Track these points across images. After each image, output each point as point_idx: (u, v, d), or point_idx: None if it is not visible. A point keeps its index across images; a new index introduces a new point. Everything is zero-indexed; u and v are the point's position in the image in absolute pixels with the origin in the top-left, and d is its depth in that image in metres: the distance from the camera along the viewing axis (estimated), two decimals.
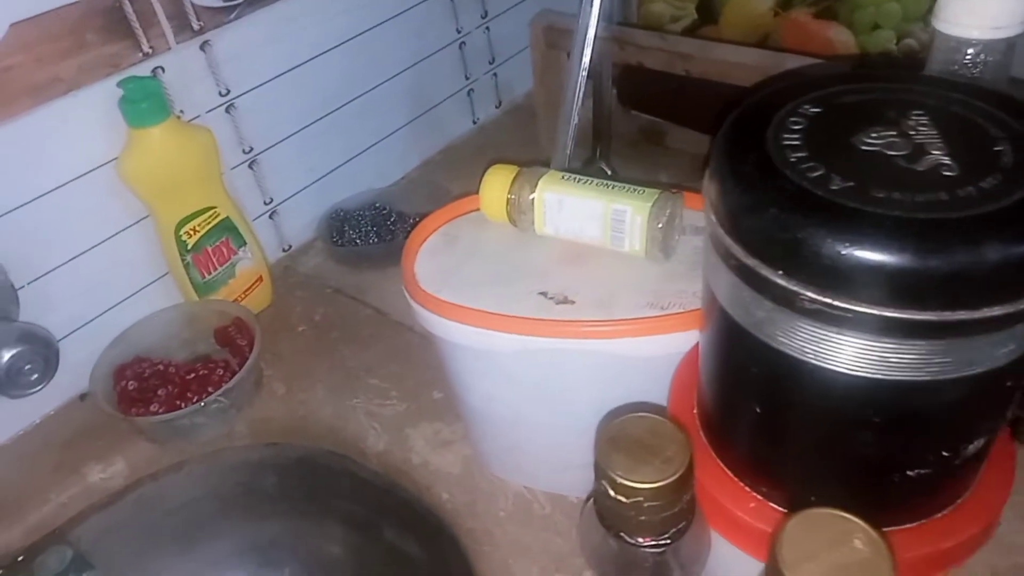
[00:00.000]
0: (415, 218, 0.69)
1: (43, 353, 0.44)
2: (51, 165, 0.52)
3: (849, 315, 0.22)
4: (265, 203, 0.67)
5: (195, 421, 0.54)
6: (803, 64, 0.55)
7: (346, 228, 0.69)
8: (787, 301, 0.23)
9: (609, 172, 0.70)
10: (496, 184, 0.44)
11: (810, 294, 0.22)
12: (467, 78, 0.82)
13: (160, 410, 0.54)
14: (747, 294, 0.24)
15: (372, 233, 0.69)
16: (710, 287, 0.28)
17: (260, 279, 0.64)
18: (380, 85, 0.73)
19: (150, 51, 0.55)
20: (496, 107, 0.87)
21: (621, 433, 0.25)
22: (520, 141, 0.82)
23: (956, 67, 0.32)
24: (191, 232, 0.58)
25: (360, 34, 0.69)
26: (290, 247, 0.71)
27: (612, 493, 0.24)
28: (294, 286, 0.67)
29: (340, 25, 0.67)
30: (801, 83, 0.29)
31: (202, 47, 0.58)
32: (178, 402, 0.54)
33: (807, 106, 0.27)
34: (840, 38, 0.83)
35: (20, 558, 0.52)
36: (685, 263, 0.41)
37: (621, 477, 0.24)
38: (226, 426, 0.56)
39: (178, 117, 0.57)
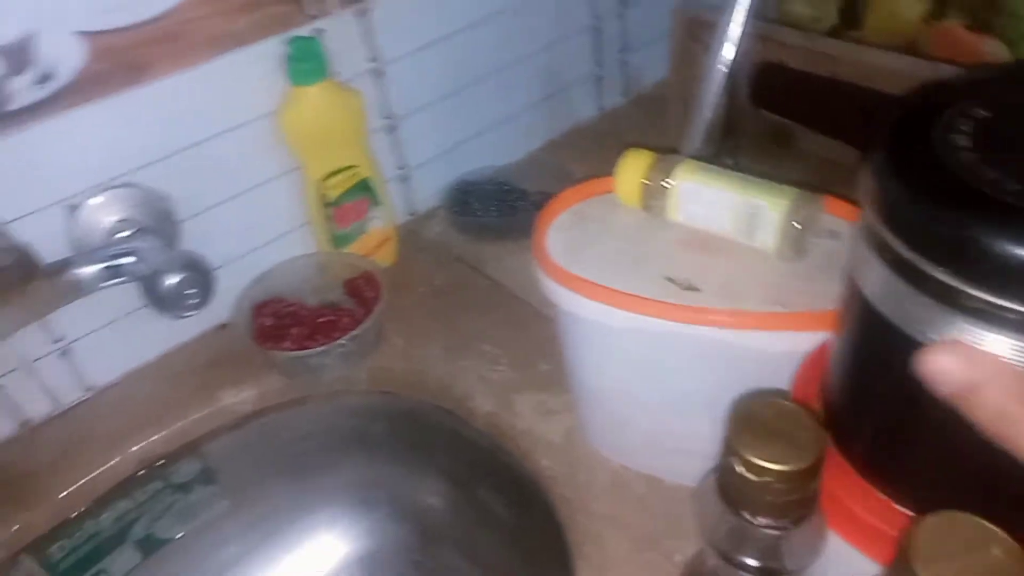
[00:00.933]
0: (537, 196, 0.72)
1: (203, 281, 0.49)
2: (220, 111, 0.57)
3: (1011, 315, 0.22)
4: (398, 168, 0.71)
5: (322, 361, 0.59)
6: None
7: (470, 200, 0.72)
8: (947, 298, 0.23)
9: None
10: (633, 168, 0.45)
11: (973, 292, 0.22)
12: (597, 64, 0.83)
13: (292, 347, 0.58)
14: (902, 289, 0.25)
15: (494, 207, 0.71)
16: (855, 282, 0.28)
17: (388, 238, 0.68)
18: (514, 64, 0.75)
19: (314, 14, 0.59)
20: (623, 95, 0.88)
21: (755, 414, 0.26)
22: (645, 131, 0.82)
23: None
24: (334, 187, 0.62)
25: (500, 12, 0.71)
26: (415, 212, 0.75)
27: (742, 470, 0.26)
28: (417, 249, 0.71)
29: (482, 3, 0.69)
30: (967, 84, 0.29)
31: (359, 14, 0.62)
32: (307, 342, 0.59)
33: (976, 108, 0.27)
34: (994, 52, 0.79)
35: (159, 463, 0.58)
36: (815, 265, 0.41)
37: (755, 456, 0.25)
38: (348, 370, 0.60)
39: (332, 79, 0.61)
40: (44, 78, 0.48)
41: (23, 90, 0.48)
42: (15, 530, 0.52)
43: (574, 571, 0.47)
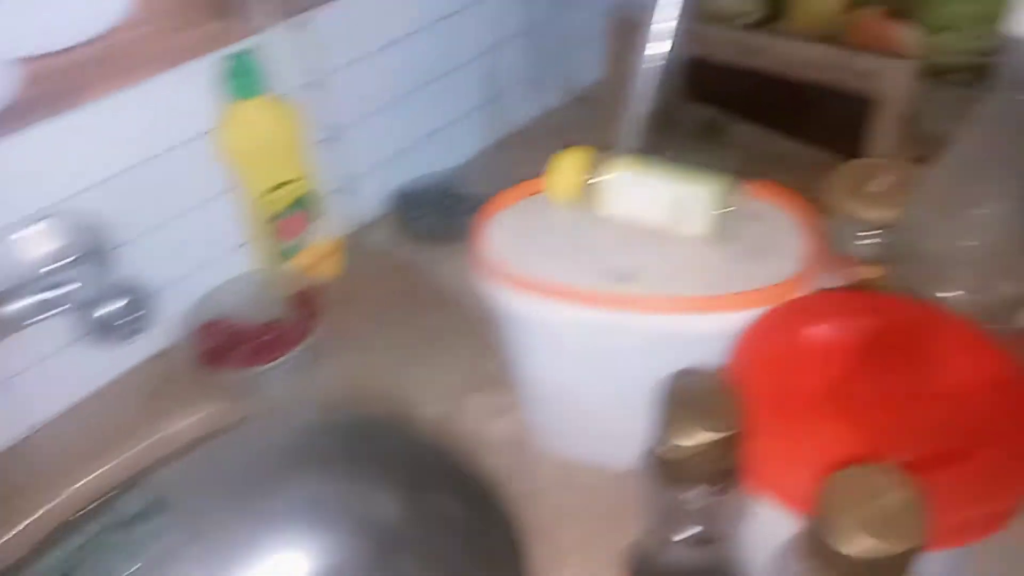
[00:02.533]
0: (479, 198, 0.72)
1: (141, 306, 0.48)
2: (158, 132, 0.56)
3: None
4: (341, 178, 0.71)
5: (266, 379, 0.58)
6: (871, 62, 0.55)
7: (414, 206, 0.72)
8: None
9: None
10: (565, 166, 0.46)
11: None
12: (534, 67, 0.84)
13: (235, 367, 0.58)
14: None
15: (438, 211, 0.72)
16: None
17: (332, 250, 0.68)
18: (453, 71, 0.76)
19: (251, 29, 0.58)
20: (561, 96, 0.89)
21: (685, 390, 0.27)
22: (583, 130, 0.82)
23: None
24: (274, 202, 0.61)
25: (437, 21, 0.72)
26: (360, 222, 0.74)
27: (673, 443, 0.26)
28: (363, 258, 0.71)
29: (420, 13, 0.70)
30: None
31: (297, 28, 0.62)
32: (252, 361, 0.58)
33: None
34: (911, 39, 0.82)
35: (104, 497, 0.56)
36: (744, 249, 0.43)
37: (681, 429, 0.26)
38: (294, 387, 0.60)
39: (271, 93, 0.60)
40: None
41: None
42: None
43: (526, 568, 0.47)
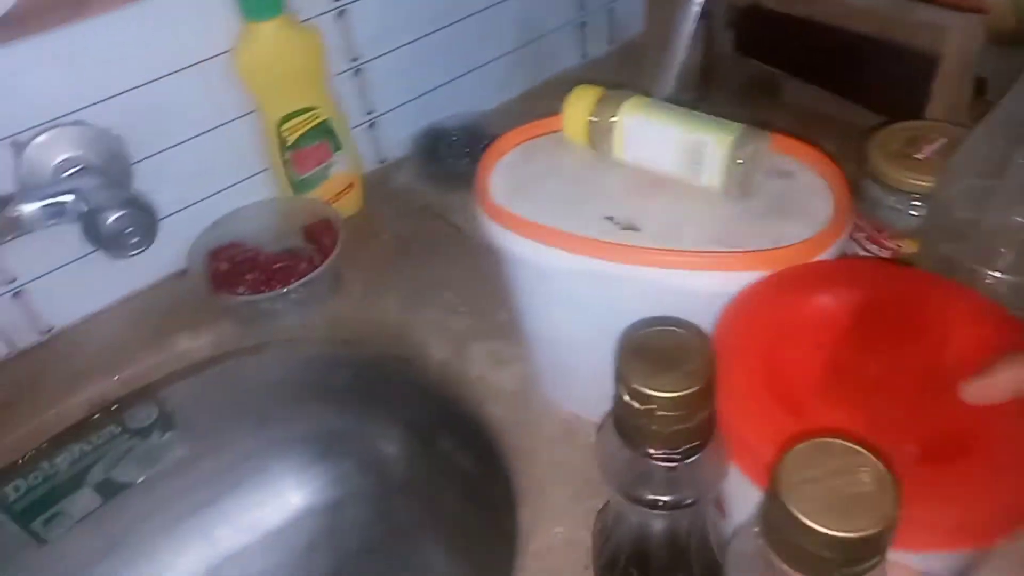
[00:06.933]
0: None
1: (145, 220, 0.48)
2: (170, 49, 0.55)
3: None
4: (367, 113, 0.69)
5: (275, 307, 0.58)
6: (936, 14, 0.50)
7: (439, 147, 0.70)
8: None
9: None
10: (579, 104, 0.43)
11: None
12: (581, 9, 0.80)
13: (246, 292, 0.57)
14: None
15: (465, 154, 0.69)
16: None
17: (352, 185, 0.66)
18: (491, 7, 0.72)
19: None
20: (608, 44, 0.85)
21: (647, 341, 0.25)
22: (629, 81, 0.79)
23: None
24: (292, 130, 0.60)
25: None
26: (385, 160, 0.73)
27: (627, 398, 0.24)
28: (384, 197, 0.69)
29: None
30: None
31: None
32: (263, 287, 0.58)
33: None
34: None
35: (114, 407, 0.57)
36: (762, 205, 0.40)
37: (637, 383, 0.24)
38: (303, 317, 0.59)
39: (291, 15, 0.59)
40: None
41: None
42: None
43: (518, 520, 0.46)
